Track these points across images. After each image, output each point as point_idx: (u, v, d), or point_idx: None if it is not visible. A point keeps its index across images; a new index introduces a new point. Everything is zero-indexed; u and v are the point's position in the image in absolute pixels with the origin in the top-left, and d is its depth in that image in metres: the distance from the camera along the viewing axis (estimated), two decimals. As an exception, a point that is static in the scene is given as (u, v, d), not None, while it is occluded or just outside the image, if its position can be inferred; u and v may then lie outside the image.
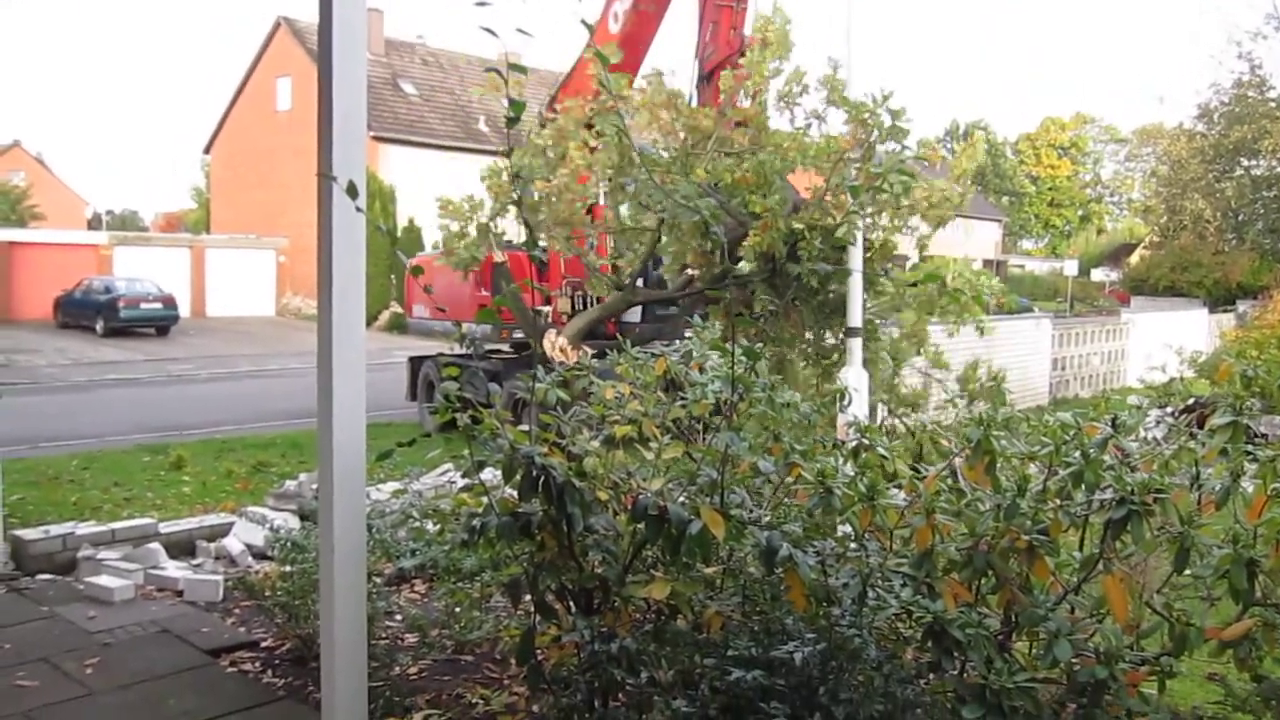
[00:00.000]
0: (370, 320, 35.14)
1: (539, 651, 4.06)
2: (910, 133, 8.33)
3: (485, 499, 3.93)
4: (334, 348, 3.88)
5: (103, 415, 17.44)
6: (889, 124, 8.06)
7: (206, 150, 47.21)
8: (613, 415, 4.62)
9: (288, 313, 39.46)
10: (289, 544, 5.26)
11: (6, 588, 6.61)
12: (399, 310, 32.73)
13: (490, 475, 4.04)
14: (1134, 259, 50.63)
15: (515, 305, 12.82)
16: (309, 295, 38.58)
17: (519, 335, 13.69)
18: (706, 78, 10.91)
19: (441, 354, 15.97)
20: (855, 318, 8.13)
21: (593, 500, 3.87)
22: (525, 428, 3.98)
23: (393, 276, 33.71)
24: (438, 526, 4.86)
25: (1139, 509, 3.28)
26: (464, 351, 15.50)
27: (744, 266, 9.53)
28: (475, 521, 3.85)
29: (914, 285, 8.47)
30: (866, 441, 4.08)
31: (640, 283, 12.18)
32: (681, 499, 3.93)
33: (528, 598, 4.04)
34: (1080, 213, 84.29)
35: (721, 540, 3.61)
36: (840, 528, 4.02)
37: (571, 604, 4.04)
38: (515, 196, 10.48)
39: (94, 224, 62.67)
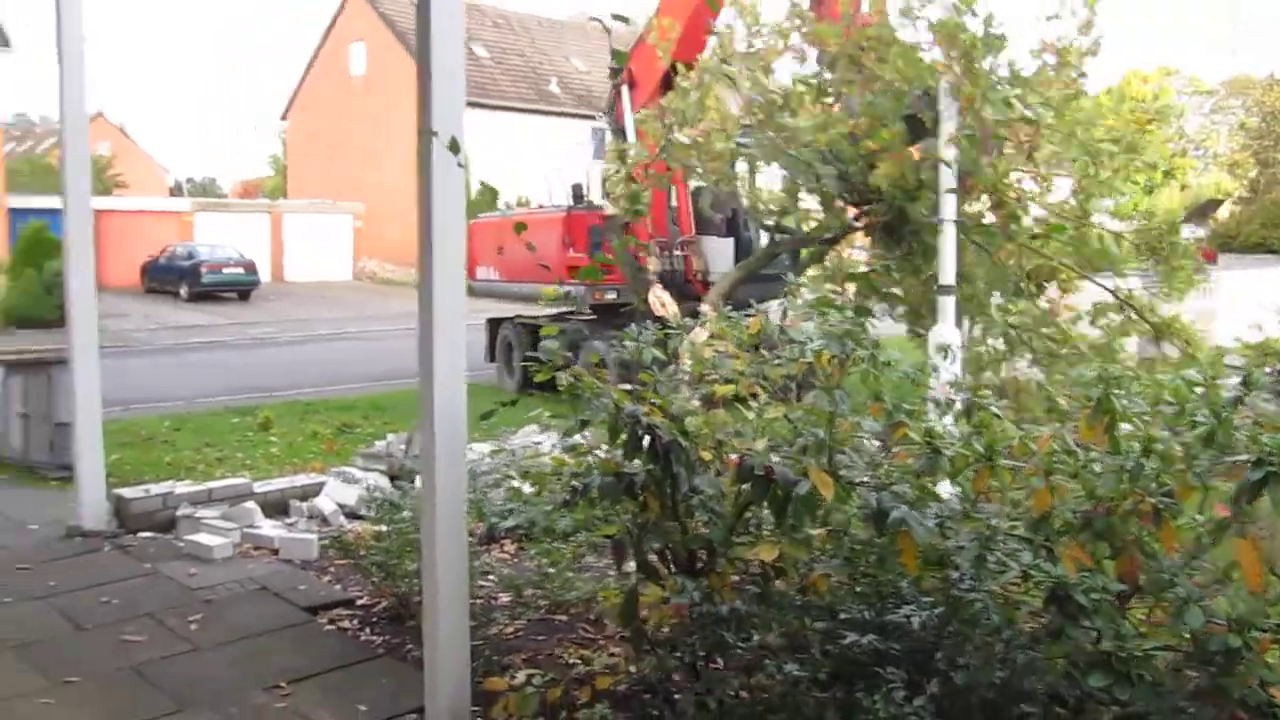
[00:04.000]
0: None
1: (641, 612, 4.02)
2: (1006, 45, 7.99)
3: (587, 459, 3.90)
4: (435, 309, 3.85)
5: (190, 377, 17.81)
6: (981, 34, 7.75)
7: (283, 117, 47.72)
8: (711, 374, 4.56)
9: (364, 276, 39.91)
10: (386, 504, 5.29)
11: (111, 545, 6.76)
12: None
13: (582, 437, 4.01)
14: (1222, 215, 49.07)
15: (626, 262, 12.77)
16: (385, 259, 38.94)
17: (610, 296, 13.60)
18: None
19: (520, 316, 16.00)
20: (948, 273, 7.89)
21: (695, 460, 3.81)
22: (628, 387, 3.93)
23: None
24: (534, 487, 4.83)
25: (1278, 471, 3.12)
26: (545, 312, 15.53)
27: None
28: (577, 482, 3.82)
29: (1035, 237, 8.10)
30: (979, 401, 3.94)
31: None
32: (776, 459, 3.85)
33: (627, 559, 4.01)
34: (1163, 168, 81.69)
35: (830, 501, 3.53)
36: (940, 488, 3.91)
37: (673, 565, 3.99)
38: (665, 141, 10.16)
39: (175, 192, 63.89)
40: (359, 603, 5.77)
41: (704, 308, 8.40)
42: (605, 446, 3.92)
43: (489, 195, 34.84)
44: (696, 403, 4.18)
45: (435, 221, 3.77)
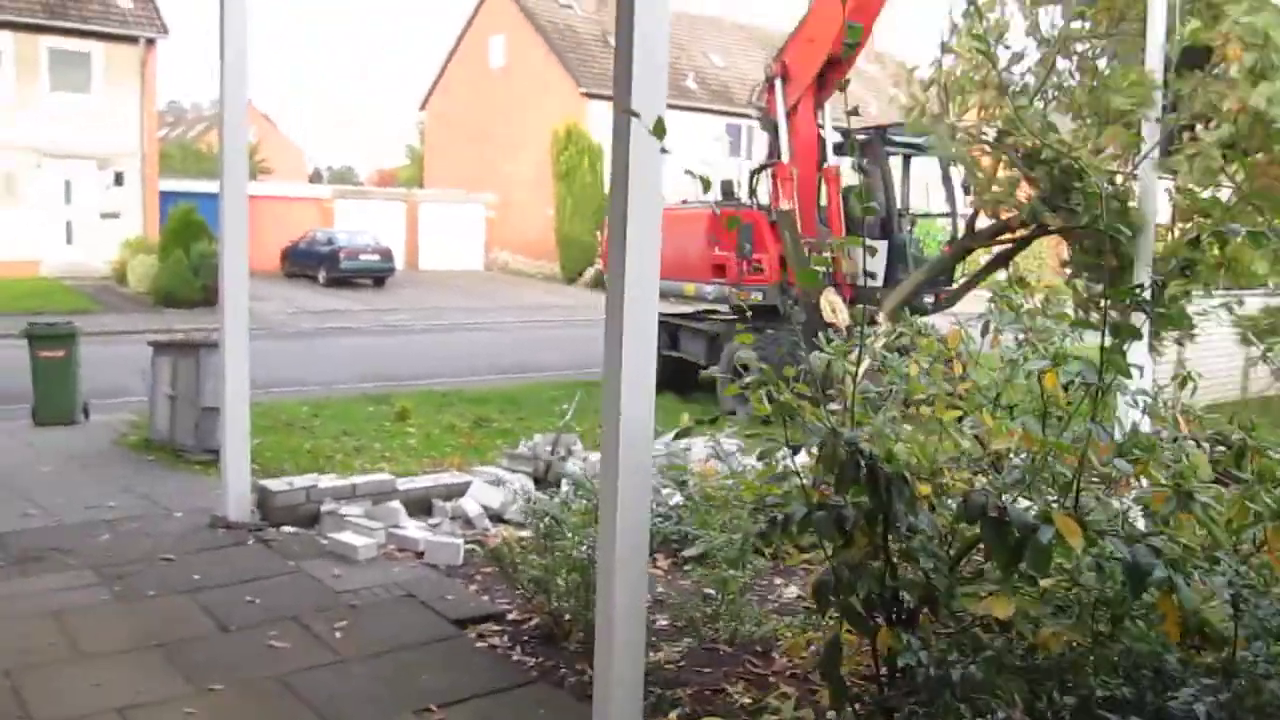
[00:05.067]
0: (576, 277, 35.28)
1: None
2: None
3: (786, 486, 3.45)
4: (625, 311, 3.45)
5: (327, 363, 17.94)
6: None
7: (422, 107, 48.37)
8: (918, 396, 4.08)
9: (495, 267, 40.16)
10: (548, 517, 4.93)
11: (254, 538, 6.58)
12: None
13: (789, 462, 3.56)
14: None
15: (798, 260, 12.28)
16: (515, 250, 39.10)
17: (756, 297, 13.05)
18: None
19: (660, 313, 15.60)
20: (1142, 277, 7.06)
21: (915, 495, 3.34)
22: (835, 407, 3.48)
23: (598, 233, 33.67)
24: (708, 507, 4.42)
25: None
26: (683, 311, 15.11)
27: None
28: (777, 513, 3.38)
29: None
30: (1255, 443, 3.37)
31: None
32: (1006, 497, 3.34)
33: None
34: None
35: (1079, 551, 3.03)
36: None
37: (878, 613, 3.52)
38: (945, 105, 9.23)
39: (314, 179, 65.53)
40: (509, 617, 5.42)
41: (880, 316, 7.69)
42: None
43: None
44: (907, 427, 3.70)
45: (632, 214, 3.36)
